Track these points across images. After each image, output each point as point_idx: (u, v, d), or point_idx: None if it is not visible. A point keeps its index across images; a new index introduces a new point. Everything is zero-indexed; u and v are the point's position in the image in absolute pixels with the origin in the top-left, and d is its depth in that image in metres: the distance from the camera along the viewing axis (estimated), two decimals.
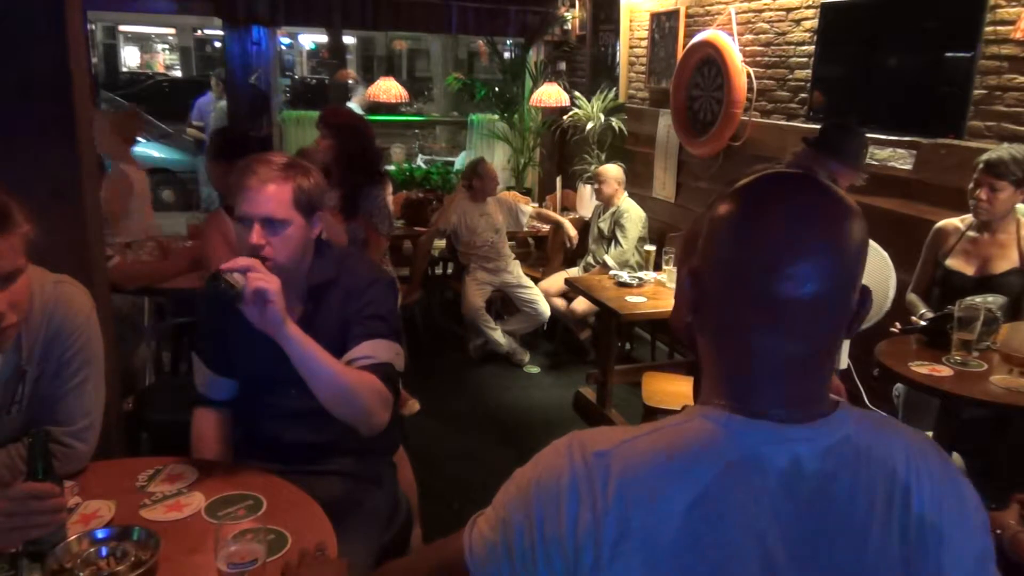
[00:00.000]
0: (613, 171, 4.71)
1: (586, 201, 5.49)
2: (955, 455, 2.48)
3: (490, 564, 0.84)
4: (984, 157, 2.60)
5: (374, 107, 7.25)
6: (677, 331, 0.87)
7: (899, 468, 0.77)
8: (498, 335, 4.71)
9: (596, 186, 4.76)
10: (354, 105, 7.05)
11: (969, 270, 2.73)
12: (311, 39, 21.22)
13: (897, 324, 2.64)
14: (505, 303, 4.98)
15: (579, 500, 0.77)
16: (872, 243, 3.16)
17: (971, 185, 2.65)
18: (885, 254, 3.11)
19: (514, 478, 0.85)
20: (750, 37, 4.20)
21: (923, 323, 2.55)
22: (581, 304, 4.53)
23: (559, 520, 0.77)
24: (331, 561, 1.29)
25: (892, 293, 3.07)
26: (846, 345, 3.25)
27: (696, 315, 0.83)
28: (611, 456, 0.78)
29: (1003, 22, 2.85)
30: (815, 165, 2.64)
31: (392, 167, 6.78)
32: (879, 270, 3.10)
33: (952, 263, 2.77)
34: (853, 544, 0.74)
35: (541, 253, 5.67)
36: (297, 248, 1.64)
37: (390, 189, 3.59)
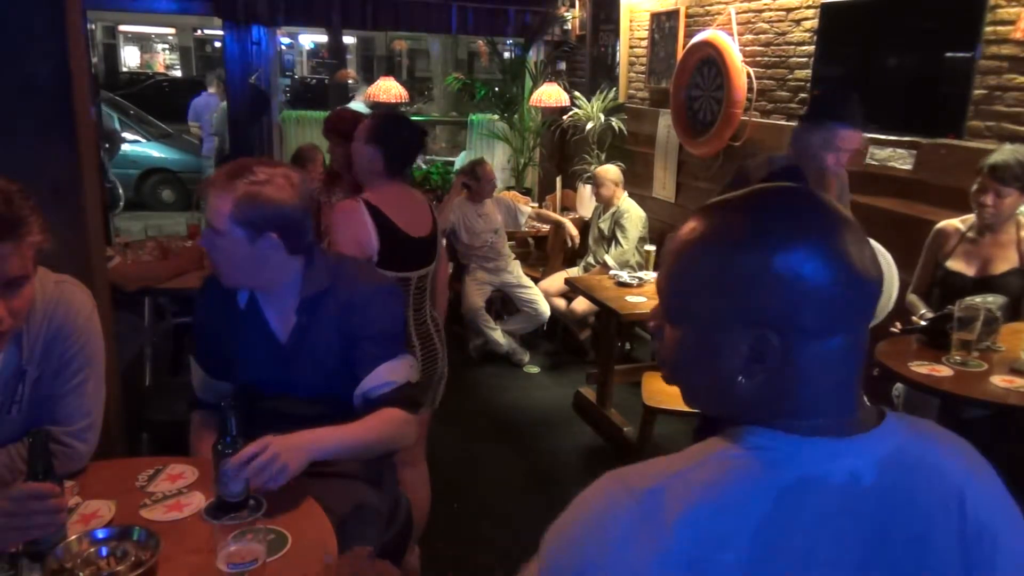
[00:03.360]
0: (610, 173, 4.71)
1: (586, 201, 5.49)
2: None
3: None
4: (989, 162, 2.58)
5: (374, 107, 7.25)
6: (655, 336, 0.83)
7: (951, 473, 0.76)
8: (498, 335, 4.71)
9: (595, 189, 4.76)
10: (359, 105, 7.05)
11: (969, 271, 2.73)
12: (311, 39, 21.23)
13: (897, 324, 2.64)
14: (505, 303, 4.98)
15: (637, 543, 0.70)
16: (876, 244, 3.15)
17: (974, 188, 2.64)
18: (889, 255, 3.10)
19: (557, 530, 0.77)
20: (750, 37, 4.20)
21: (923, 323, 2.55)
22: (581, 304, 4.53)
23: (617, 568, 0.71)
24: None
25: (895, 293, 3.07)
26: None
27: (722, 337, 0.76)
28: (664, 494, 0.72)
29: (1003, 22, 2.85)
30: (816, 143, 2.60)
31: None
32: (884, 271, 3.10)
33: (952, 264, 2.77)
34: (916, 554, 0.73)
35: (541, 253, 5.67)
36: (233, 263, 1.62)
37: None
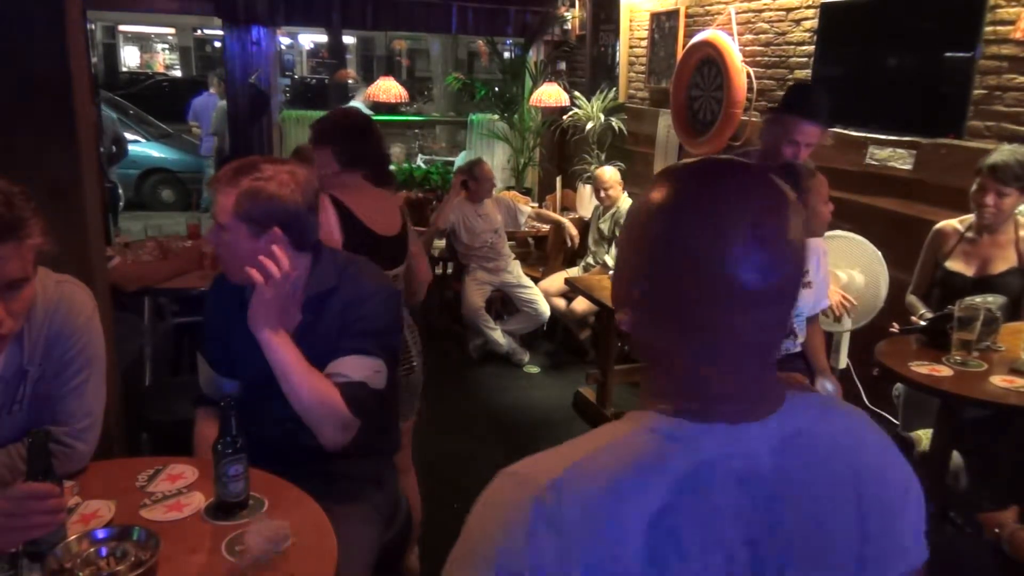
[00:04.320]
0: (612, 174, 4.70)
1: (586, 201, 5.49)
2: (955, 455, 2.49)
3: None
4: (989, 162, 2.58)
5: (374, 107, 7.25)
6: (621, 325, 0.82)
7: (847, 450, 0.78)
8: (498, 335, 4.71)
9: (602, 192, 4.73)
10: (360, 105, 7.05)
11: (968, 271, 2.73)
12: (311, 39, 21.23)
13: (895, 325, 2.64)
14: (505, 303, 4.98)
15: (540, 537, 0.70)
16: (863, 240, 3.16)
17: (974, 189, 2.64)
18: (877, 251, 3.11)
19: (463, 536, 0.77)
20: (750, 37, 4.20)
21: (923, 323, 2.55)
22: (581, 304, 4.53)
23: (524, 564, 0.70)
24: None
25: (884, 292, 3.06)
26: (845, 345, 3.25)
27: (643, 312, 0.78)
28: (562, 484, 0.72)
29: (1003, 22, 2.85)
30: (783, 137, 2.60)
31: (392, 167, 6.78)
32: (872, 267, 3.10)
33: (951, 264, 2.77)
34: (817, 533, 0.74)
35: (541, 253, 5.67)
36: (239, 259, 1.62)
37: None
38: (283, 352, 1.59)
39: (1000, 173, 2.54)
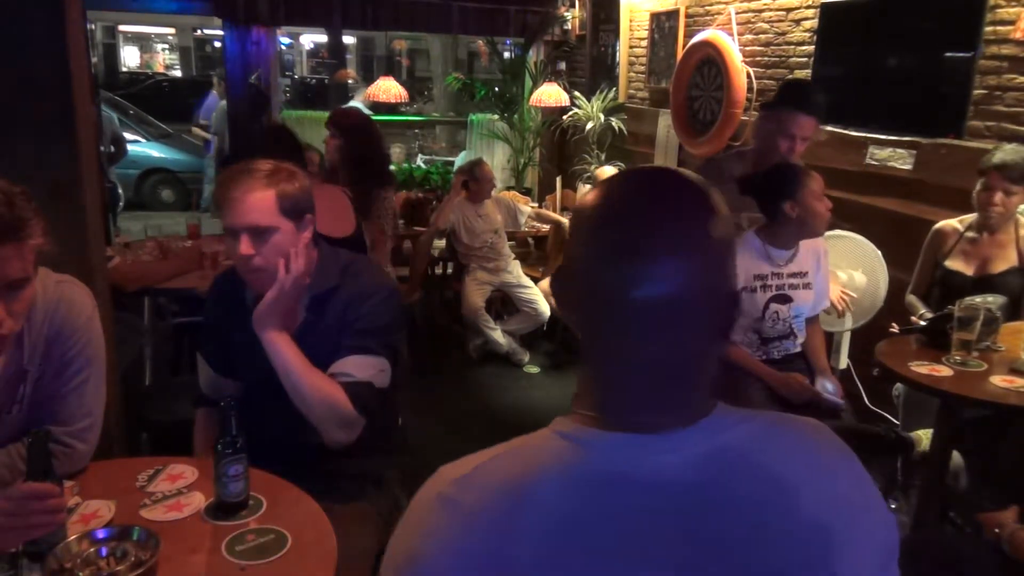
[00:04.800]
0: (605, 176, 4.70)
1: None
2: (955, 455, 2.49)
3: None
4: (995, 161, 2.57)
5: (374, 107, 7.26)
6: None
7: (783, 471, 0.73)
8: (498, 335, 4.70)
9: None
10: (360, 105, 7.06)
11: (968, 270, 2.73)
12: (311, 39, 21.23)
13: (895, 325, 2.64)
14: (505, 303, 4.98)
15: (441, 532, 0.72)
16: (863, 239, 3.16)
17: (979, 188, 2.63)
18: (877, 251, 3.10)
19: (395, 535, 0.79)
20: (750, 37, 4.20)
21: (923, 323, 2.55)
22: None
23: (428, 559, 0.72)
24: None
25: (883, 292, 3.06)
26: (846, 345, 3.25)
27: (570, 313, 0.78)
28: (466, 484, 0.74)
29: (1003, 22, 2.85)
30: (779, 132, 2.61)
31: (392, 167, 6.78)
32: (871, 267, 3.10)
33: (951, 263, 2.77)
34: (730, 556, 0.70)
35: (541, 253, 5.67)
36: (280, 258, 1.63)
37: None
38: (286, 353, 1.59)
39: (1008, 171, 2.54)
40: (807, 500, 0.72)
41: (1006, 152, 2.57)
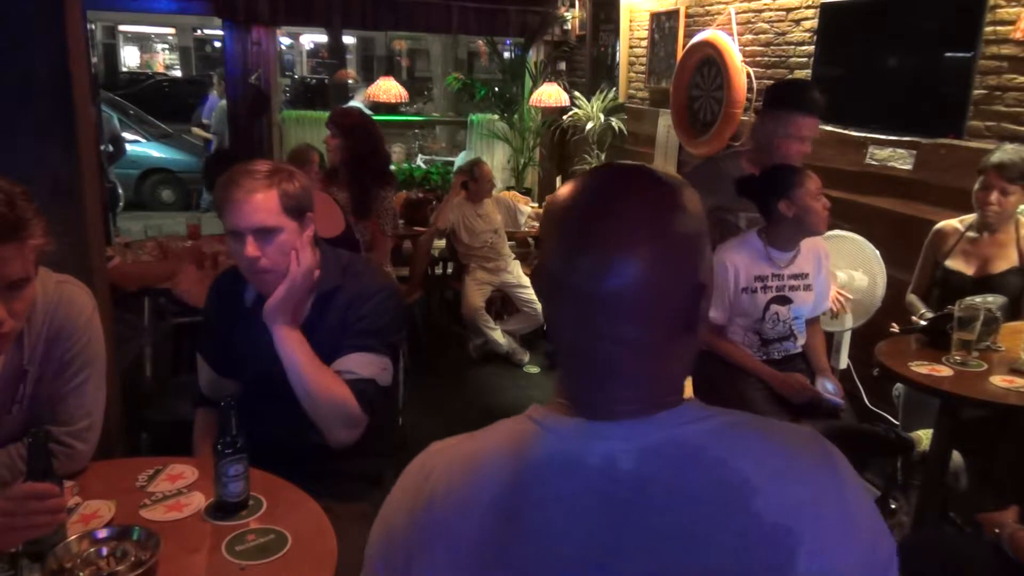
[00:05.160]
0: None
1: None
2: (955, 455, 2.49)
3: None
4: (994, 160, 2.58)
5: (374, 107, 7.26)
6: None
7: (745, 471, 0.71)
8: (498, 335, 4.71)
9: None
10: (360, 105, 7.06)
11: (969, 270, 2.73)
12: (311, 39, 21.23)
13: (894, 325, 2.64)
14: (505, 303, 4.98)
15: (407, 500, 0.81)
16: (860, 239, 3.16)
17: (977, 187, 2.64)
18: (875, 250, 3.10)
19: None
20: (750, 37, 4.20)
21: (923, 323, 2.55)
22: None
23: (393, 522, 0.82)
24: None
25: (881, 291, 3.06)
26: (846, 345, 3.25)
27: (542, 306, 0.81)
28: (436, 455, 0.82)
29: (1003, 22, 2.85)
30: (772, 131, 2.60)
31: (392, 167, 6.78)
32: (869, 266, 3.10)
33: (952, 263, 2.77)
34: (671, 549, 0.70)
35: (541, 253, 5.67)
36: (287, 258, 1.63)
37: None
38: (296, 347, 1.60)
39: (1006, 171, 2.55)
40: (768, 502, 0.70)
41: (1005, 152, 2.58)
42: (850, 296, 2.92)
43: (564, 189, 0.79)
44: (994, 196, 2.59)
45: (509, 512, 0.73)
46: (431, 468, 0.80)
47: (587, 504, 0.72)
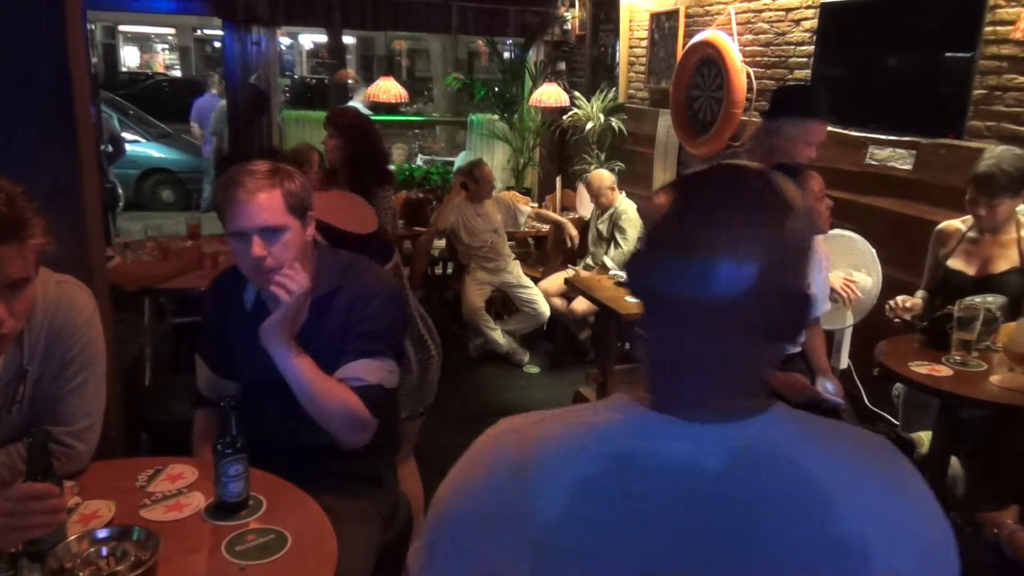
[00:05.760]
0: (605, 180, 4.67)
1: (586, 201, 5.49)
2: (954, 462, 2.48)
3: None
4: (975, 173, 2.54)
5: (374, 107, 7.26)
6: None
7: (824, 478, 0.72)
8: (498, 335, 4.70)
9: (592, 197, 4.74)
10: (359, 105, 7.05)
11: (970, 270, 2.72)
12: (311, 39, 21.23)
13: (893, 305, 2.65)
14: (505, 303, 4.98)
15: (489, 475, 0.79)
16: (859, 238, 3.16)
17: (967, 197, 2.63)
18: (871, 249, 3.10)
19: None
20: (750, 37, 4.20)
21: (924, 324, 2.55)
22: (581, 304, 4.53)
23: (470, 496, 0.79)
24: None
25: (877, 291, 3.06)
26: (846, 345, 3.25)
27: (634, 299, 0.82)
28: (519, 434, 0.80)
29: (1003, 22, 2.85)
30: (786, 137, 2.60)
31: (392, 167, 6.78)
32: (865, 265, 3.10)
33: (953, 263, 2.77)
34: (748, 552, 0.70)
35: (541, 253, 5.67)
36: (297, 252, 1.64)
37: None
38: (297, 365, 1.60)
39: (984, 188, 2.51)
40: (844, 509, 0.71)
41: (985, 163, 2.52)
42: (859, 293, 2.92)
43: (669, 190, 0.78)
44: (982, 210, 2.57)
45: (589, 502, 0.73)
46: (510, 445, 0.80)
47: (672, 502, 0.72)
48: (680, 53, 4.67)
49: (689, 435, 0.74)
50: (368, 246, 2.42)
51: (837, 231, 3.14)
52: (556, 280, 4.78)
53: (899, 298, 2.74)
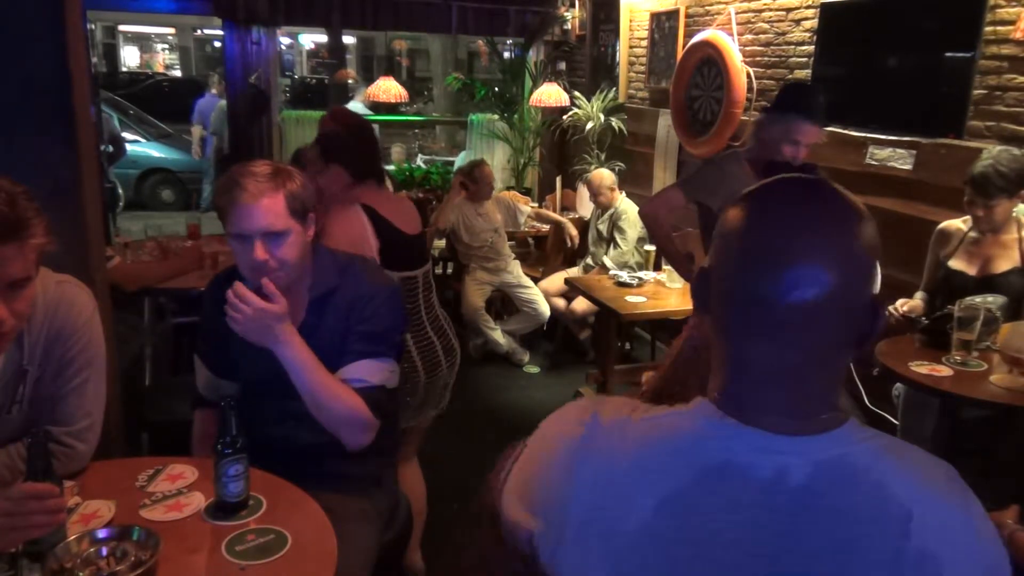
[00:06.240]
0: (605, 180, 4.68)
1: (586, 201, 5.49)
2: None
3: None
4: (971, 174, 2.54)
5: (374, 107, 7.26)
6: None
7: (901, 494, 0.73)
8: (498, 335, 4.71)
9: (592, 196, 4.74)
10: (358, 105, 7.05)
11: (971, 270, 2.73)
12: (311, 39, 21.23)
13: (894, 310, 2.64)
14: (505, 303, 4.98)
15: (565, 466, 0.80)
16: None
17: (965, 199, 2.63)
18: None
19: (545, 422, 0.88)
20: (750, 37, 4.20)
21: (924, 322, 2.55)
22: (581, 304, 4.53)
23: (549, 483, 0.80)
24: None
25: (876, 291, 3.07)
26: None
27: (706, 313, 0.82)
28: (602, 433, 0.80)
29: (1003, 22, 2.85)
30: (785, 137, 2.60)
31: (392, 167, 6.79)
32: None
33: (954, 263, 2.77)
34: (833, 566, 0.72)
35: (541, 253, 5.67)
36: (299, 254, 1.65)
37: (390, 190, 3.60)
38: (305, 371, 1.60)
39: (981, 189, 2.52)
40: (921, 526, 0.72)
41: (981, 164, 2.53)
42: None
43: (746, 200, 0.79)
44: (979, 211, 2.58)
45: (679, 516, 0.73)
46: (585, 440, 0.80)
47: (755, 515, 0.73)
48: (680, 53, 4.67)
49: (776, 447, 0.75)
50: (415, 247, 2.48)
51: None
52: (556, 280, 4.78)
53: (898, 303, 2.74)
